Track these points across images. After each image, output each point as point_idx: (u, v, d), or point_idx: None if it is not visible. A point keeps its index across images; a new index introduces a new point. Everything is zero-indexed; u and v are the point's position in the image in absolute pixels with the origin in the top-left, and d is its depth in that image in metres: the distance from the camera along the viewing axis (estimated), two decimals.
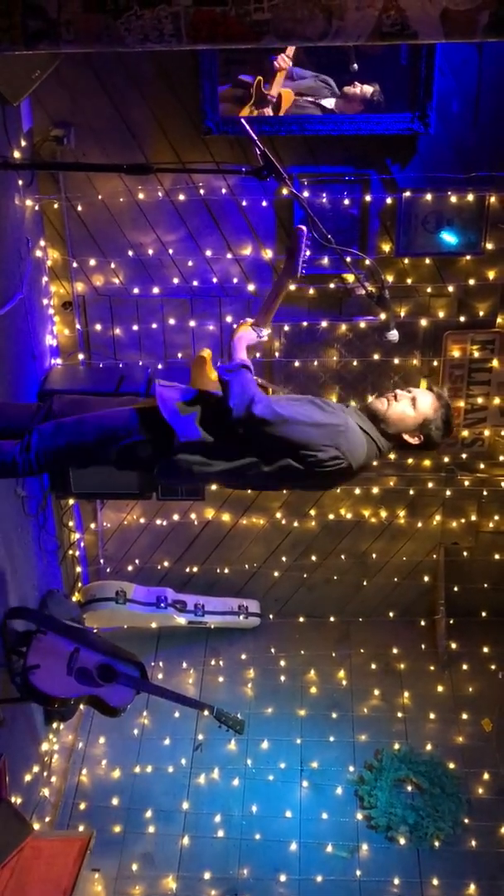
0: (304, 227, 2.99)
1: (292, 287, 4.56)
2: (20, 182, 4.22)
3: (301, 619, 5.43)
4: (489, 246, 4.43)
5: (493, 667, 5.12)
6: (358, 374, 4.80)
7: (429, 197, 4.33)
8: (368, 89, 4.14)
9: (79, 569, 5.40)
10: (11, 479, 4.05)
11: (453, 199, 4.32)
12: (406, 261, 4.52)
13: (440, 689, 5.12)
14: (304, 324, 4.65)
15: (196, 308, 4.68)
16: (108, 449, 3.07)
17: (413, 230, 4.41)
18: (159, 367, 4.77)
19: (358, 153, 4.30)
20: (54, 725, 4.82)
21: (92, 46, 2.59)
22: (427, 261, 4.52)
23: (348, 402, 3.31)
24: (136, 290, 4.67)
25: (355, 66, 4.08)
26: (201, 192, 4.43)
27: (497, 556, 5.24)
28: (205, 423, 2.97)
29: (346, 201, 4.37)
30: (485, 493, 5.08)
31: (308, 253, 3.01)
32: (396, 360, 4.74)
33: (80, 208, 4.49)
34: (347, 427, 2.95)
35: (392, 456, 4.92)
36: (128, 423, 3.04)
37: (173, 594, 5.30)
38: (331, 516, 5.21)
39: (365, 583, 5.40)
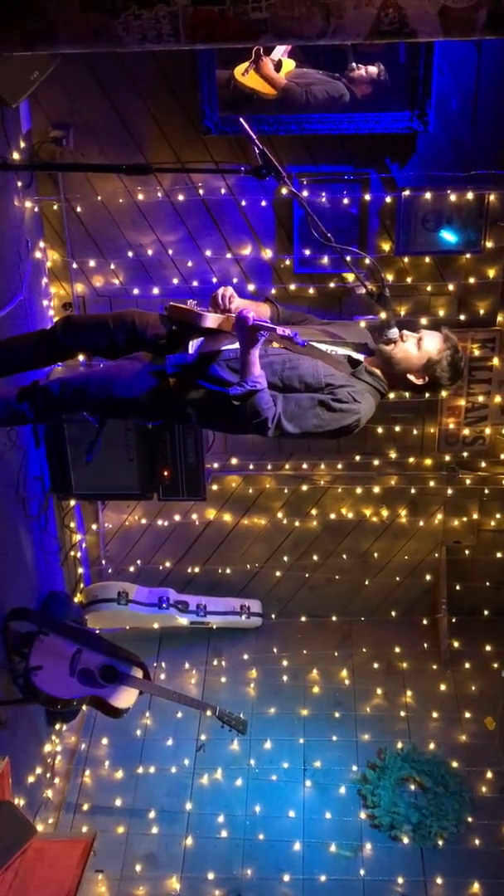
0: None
1: (292, 287, 4.60)
2: (19, 183, 4.22)
3: (303, 619, 5.43)
4: (489, 244, 4.43)
5: (495, 665, 5.11)
6: None
7: (428, 195, 4.33)
8: (373, 70, 4.08)
9: (80, 570, 5.40)
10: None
11: (453, 197, 4.32)
12: (406, 259, 4.52)
13: (443, 687, 5.12)
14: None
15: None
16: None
17: (413, 229, 4.41)
18: None
19: (357, 152, 4.30)
20: (57, 727, 4.81)
21: (90, 47, 2.60)
22: (427, 259, 4.51)
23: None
24: (135, 291, 4.66)
25: (353, 64, 4.07)
26: (200, 192, 4.43)
27: (499, 555, 5.24)
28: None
29: (346, 200, 4.37)
30: (486, 491, 5.07)
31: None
32: None
33: (79, 209, 4.49)
34: (359, 410, 3.06)
35: (393, 455, 4.96)
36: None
37: (175, 595, 5.29)
38: (332, 516, 5.21)
39: (367, 582, 5.40)
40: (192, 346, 3.20)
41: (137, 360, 3.26)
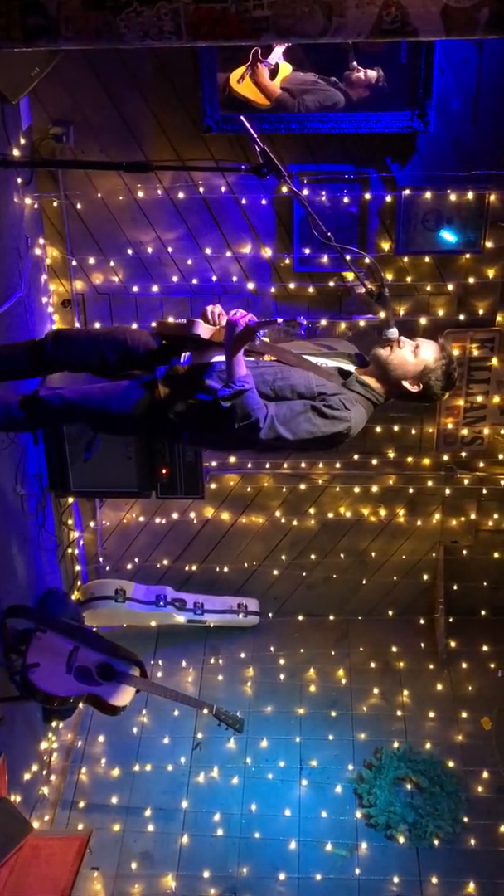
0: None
1: (291, 285, 4.60)
2: (19, 180, 4.21)
3: (300, 618, 5.43)
4: (489, 244, 4.43)
5: (492, 665, 5.11)
6: None
7: (428, 195, 4.33)
8: (373, 74, 4.08)
9: (78, 567, 5.39)
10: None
11: (453, 197, 4.32)
12: (406, 259, 4.52)
13: (439, 687, 5.12)
14: (304, 321, 4.64)
15: (196, 307, 4.67)
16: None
17: (413, 228, 4.41)
18: None
19: (357, 151, 4.29)
20: (53, 724, 4.81)
21: (91, 43, 2.59)
22: (427, 259, 4.51)
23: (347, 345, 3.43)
24: (135, 289, 4.66)
25: (354, 63, 4.07)
26: (201, 190, 4.42)
27: (496, 555, 5.24)
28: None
29: (346, 199, 4.37)
30: (484, 491, 5.08)
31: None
32: None
33: (79, 206, 4.49)
34: (349, 418, 3.04)
35: (391, 454, 4.96)
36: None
37: (173, 592, 5.30)
38: (330, 515, 5.21)
39: (364, 581, 5.40)
40: (183, 358, 3.21)
41: (132, 377, 3.25)
